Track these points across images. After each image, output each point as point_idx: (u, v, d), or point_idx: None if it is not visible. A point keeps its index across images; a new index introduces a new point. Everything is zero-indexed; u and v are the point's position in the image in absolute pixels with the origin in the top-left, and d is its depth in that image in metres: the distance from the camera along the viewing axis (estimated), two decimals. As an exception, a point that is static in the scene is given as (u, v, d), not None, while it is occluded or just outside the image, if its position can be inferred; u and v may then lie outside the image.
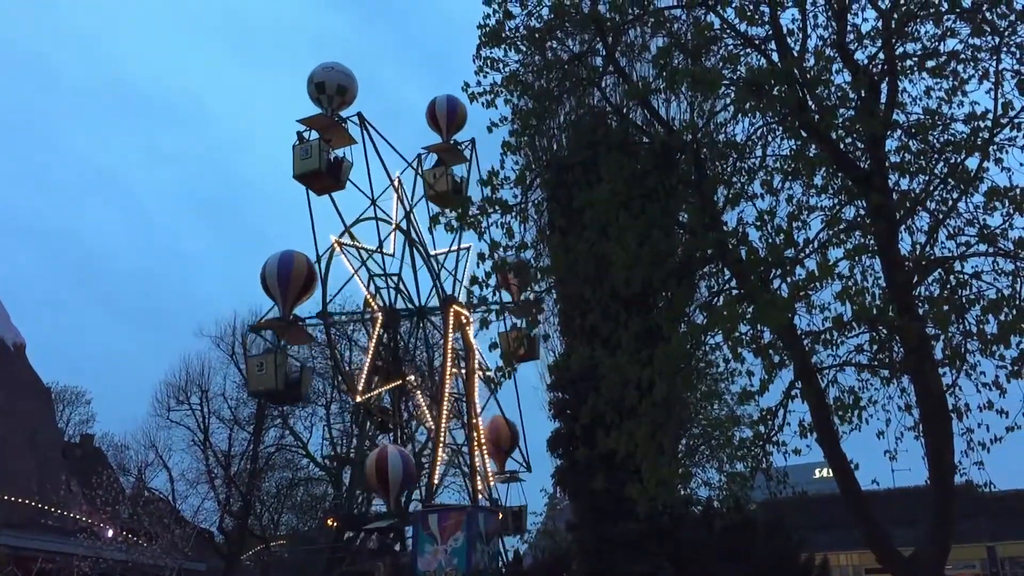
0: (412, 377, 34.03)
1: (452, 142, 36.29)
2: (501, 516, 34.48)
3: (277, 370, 30.77)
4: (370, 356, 34.43)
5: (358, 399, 33.63)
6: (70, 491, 40.10)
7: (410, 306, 35.21)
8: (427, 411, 33.55)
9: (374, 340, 34.29)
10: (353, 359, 41.26)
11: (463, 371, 34.06)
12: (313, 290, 32.32)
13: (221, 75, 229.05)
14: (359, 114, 35.26)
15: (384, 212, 35.75)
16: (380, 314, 34.52)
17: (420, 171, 35.86)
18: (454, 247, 35.38)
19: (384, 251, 35.69)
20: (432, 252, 35.96)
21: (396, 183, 35.53)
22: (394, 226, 35.49)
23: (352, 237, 35.07)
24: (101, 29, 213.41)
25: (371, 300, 34.49)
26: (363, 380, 34.58)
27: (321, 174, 32.18)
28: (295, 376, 31.80)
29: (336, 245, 34.41)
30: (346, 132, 35.21)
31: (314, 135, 33.27)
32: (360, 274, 34.94)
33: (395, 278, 35.46)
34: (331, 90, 33.17)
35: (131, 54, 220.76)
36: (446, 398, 32.44)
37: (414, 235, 35.29)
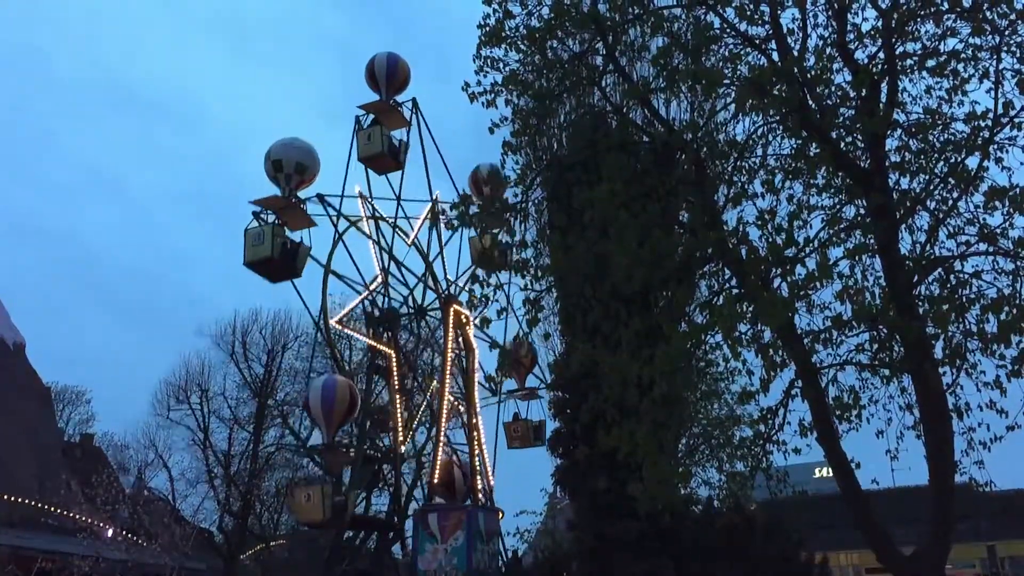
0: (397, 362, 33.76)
1: (392, 102, 34.69)
2: (522, 429, 34.61)
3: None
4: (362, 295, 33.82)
5: (333, 321, 33.06)
6: (70, 490, 40.09)
7: (411, 305, 35.09)
8: (398, 392, 33.14)
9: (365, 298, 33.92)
10: (353, 358, 41.26)
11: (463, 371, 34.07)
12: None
13: (218, 72, 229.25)
14: (413, 99, 35.00)
15: (405, 214, 35.12)
16: (380, 275, 34.11)
17: (355, 132, 34.02)
18: (460, 261, 35.25)
19: (402, 231, 34.96)
20: (448, 276, 35.56)
21: (434, 199, 34.84)
22: (411, 240, 35.08)
23: (376, 215, 34.36)
24: (97, 25, 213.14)
25: (371, 292, 34.06)
26: (344, 311, 34.41)
27: (273, 260, 29.98)
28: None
29: (360, 200, 33.78)
30: (401, 116, 34.60)
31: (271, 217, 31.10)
32: (377, 256, 34.43)
33: (407, 287, 35.01)
34: (289, 168, 31.06)
35: (127, 51, 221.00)
36: (446, 398, 32.42)
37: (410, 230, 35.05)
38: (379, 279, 34.39)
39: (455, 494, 30.62)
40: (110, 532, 37.65)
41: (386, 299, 34.52)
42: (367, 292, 33.99)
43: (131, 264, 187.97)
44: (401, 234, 35.04)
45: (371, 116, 34.50)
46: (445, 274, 34.98)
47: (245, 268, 30.54)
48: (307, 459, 47.45)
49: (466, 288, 33.98)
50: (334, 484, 29.16)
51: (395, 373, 32.91)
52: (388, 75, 34.50)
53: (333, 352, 34.33)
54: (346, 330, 34.60)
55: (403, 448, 32.70)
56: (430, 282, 34.60)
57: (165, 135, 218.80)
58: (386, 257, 34.57)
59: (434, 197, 34.83)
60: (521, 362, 33.35)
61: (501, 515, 31.49)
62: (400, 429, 32.30)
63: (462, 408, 33.61)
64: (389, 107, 34.57)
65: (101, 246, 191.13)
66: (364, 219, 34.31)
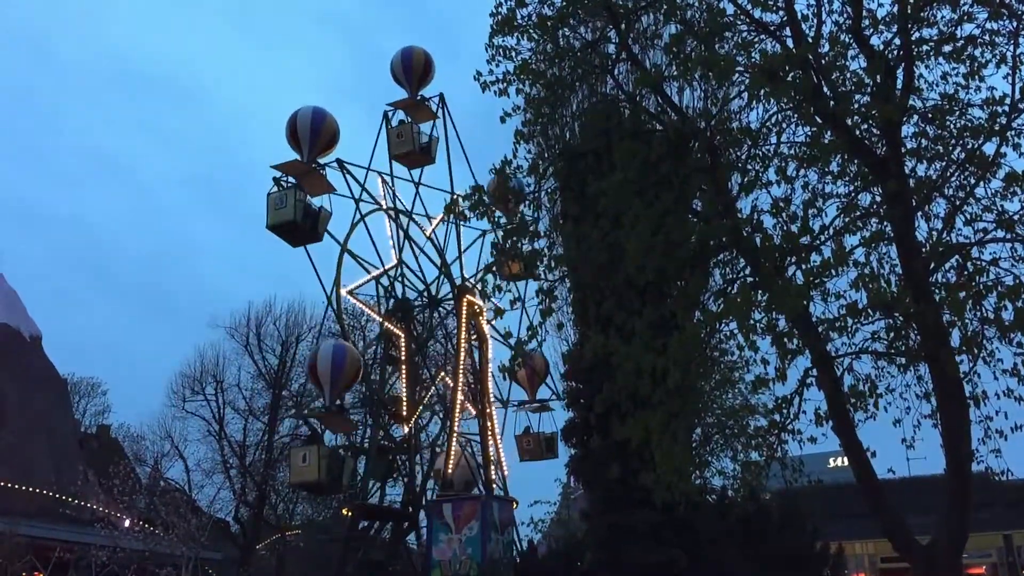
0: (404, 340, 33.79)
1: (420, 97, 34.90)
2: (533, 442, 34.56)
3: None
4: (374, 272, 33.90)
5: (343, 290, 33.25)
6: (87, 481, 40.45)
7: (424, 295, 35.10)
8: (405, 375, 33.21)
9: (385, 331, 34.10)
10: (367, 353, 41.31)
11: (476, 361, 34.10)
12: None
13: (223, 53, 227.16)
14: (440, 95, 35.13)
15: (424, 207, 35.27)
16: (395, 255, 34.20)
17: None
18: (476, 259, 35.23)
19: (424, 219, 35.05)
20: (466, 276, 35.55)
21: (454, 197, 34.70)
22: (429, 233, 35.11)
23: (395, 210, 34.43)
24: (101, 8, 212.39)
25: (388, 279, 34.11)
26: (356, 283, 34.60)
27: (296, 225, 30.30)
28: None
29: (380, 180, 34.09)
30: (429, 110, 34.77)
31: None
32: (395, 244, 34.51)
33: (423, 282, 35.03)
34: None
35: (131, 32, 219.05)
36: (460, 387, 32.46)
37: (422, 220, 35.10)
38: (395, 265, 34.46)
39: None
40: (127, 523, 37.94)
41: (402, 288, 34.59)
42: (382, 271, 34.03)
43: (139, 250, 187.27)
44: (417, 226, 35.12)
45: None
46: (462, 271, 35.06)
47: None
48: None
49: (479, 278, 34.07)
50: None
51: (403, 355, 32.98)
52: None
53: (342, 326, 34.36)
54: (355, 301, 34.54)
55: (408, 427, 32.76)
56: (444, 278, 34.64)
57: (170, 117, 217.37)
58: (404, 243, 34.58)
59: (453, 197, 34.76)
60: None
61: (515, 505, 31.55)
62: (407, 410, 32.34)
63: (470, 406, 33.60)
64: (417, 102, 34.82)
65: (108, 231, 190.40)
66: (384, 209, 34.39)
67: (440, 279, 35.01)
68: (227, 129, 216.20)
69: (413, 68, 34.73)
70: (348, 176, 33.04)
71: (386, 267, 34.25)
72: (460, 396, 32.43)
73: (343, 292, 32.94)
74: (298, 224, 30.26)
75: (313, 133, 31.09)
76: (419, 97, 35.02)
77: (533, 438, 34.75)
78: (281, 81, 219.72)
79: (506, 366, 29.07)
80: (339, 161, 32.72)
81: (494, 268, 12.20)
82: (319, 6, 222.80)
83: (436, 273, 35.07)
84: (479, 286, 33.62)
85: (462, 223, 30.75)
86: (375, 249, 34.14)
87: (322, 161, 31.84)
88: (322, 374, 28.60)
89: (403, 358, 33.21)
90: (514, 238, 10.83)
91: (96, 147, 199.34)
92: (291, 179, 30.97)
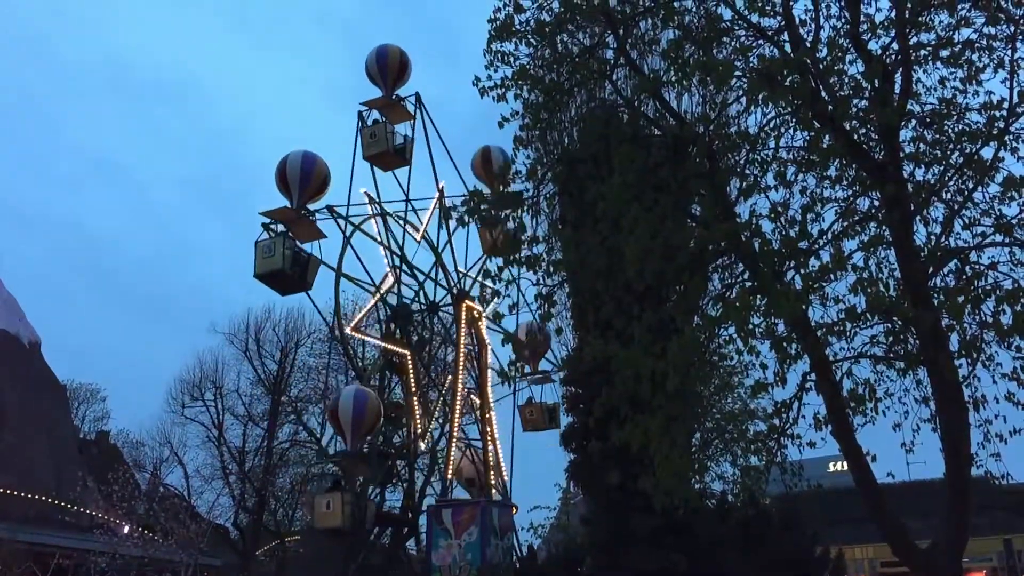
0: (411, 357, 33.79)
1: (395, 96, 34.03)
2: (536, 412, 34.50)
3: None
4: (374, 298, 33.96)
5: (348, 330, 33.22)
6: (86, 487, 40.46)
7: (422, 300, 35.10)
8: (415, 388, 33.25)
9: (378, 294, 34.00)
10: (366, 355, 41.27)
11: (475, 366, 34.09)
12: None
13: (222, 55, 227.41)
14: (416, 94, 34.31)
15: (416, 214, 34.93)
16: (391, 272, 34.13)
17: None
18: (472, 256, 35.03)
19: (411, 228, 34.87)
20: (459, 268, 35.47)
21: (439, 191, 34.77)
22: (421, 234, 35.00)
23: (384, 214, 34.26)
24: (100, 10, 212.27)
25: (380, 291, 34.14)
26: (357, 318, 34.41)
27: (285, 274, 29.93)
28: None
29: (367, 199, 33.65)
30: (405, 110, 34.06)
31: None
32: (386, 254, 34.40)
33: (418, 281, 34.96)
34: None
35: (129, 35, 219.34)
36: (459, 392, 32.44)
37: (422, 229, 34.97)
38: (390, 278, 34.38)
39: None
40: (126, 529, 37.95)
41: (398, 297, 34.51)
42: (378, 295, 33.96)
43: (138, 254, 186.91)
44: (412, 230, 34.98)
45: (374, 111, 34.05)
46: (455, 265, 34.87)
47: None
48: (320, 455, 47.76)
49: (477, 280, 34.07)
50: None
51: (411, 372, 32.91)
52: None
53: (347, 350, 34.40)
54: (361, 336, 34.50)
55: (422, 445, 32.70)
56: (441, 275, 34.56)
57: (169, 119, 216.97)
58: (396, 256, 34.52)
59: (440, 188, 34.76)
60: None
61: (515, 510, 31.51)
62: (417, 425, 32.32)
63: (475, 397, 33.58)
64: (392, 102, 34.05)
65: (107, 236, 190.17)
66: (372, 217, 34.20)
67: (435, 272, 34.85)
68: (227, 132, 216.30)
69: (388, 67, 33.91)
70: (339, 220, 32.64)
71: (381, 288, 34.13)
72: (459, 399, 32.43)
73: (348, 330, 33.08)
74: (286, 273, 29.94)
75: (303, 178, 30.68)
76: (394, 96, 34.16)
77: (536, 408, 34.68)
78: (281, 83, 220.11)
79: (510, 333, 28.92)
80: (329, 208, 32.28)
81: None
82: (318, 7, 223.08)
83: (430, 278, 35.01)
84: (477, 280, 33.71)
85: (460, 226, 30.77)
86: (365, 270, 34.13)
87: (312, 207, 31.35)
88: (343, 420, 28.53)
89: (408, 369, 33.13)
90: (493, 209, 10.79)
91: (95, 150, 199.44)
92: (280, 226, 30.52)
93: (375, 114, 34.12)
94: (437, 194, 34.57)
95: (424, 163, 34.84)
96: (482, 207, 11.11)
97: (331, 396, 44.10)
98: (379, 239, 34.24)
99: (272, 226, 30.61)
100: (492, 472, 31.85)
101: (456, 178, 35.69)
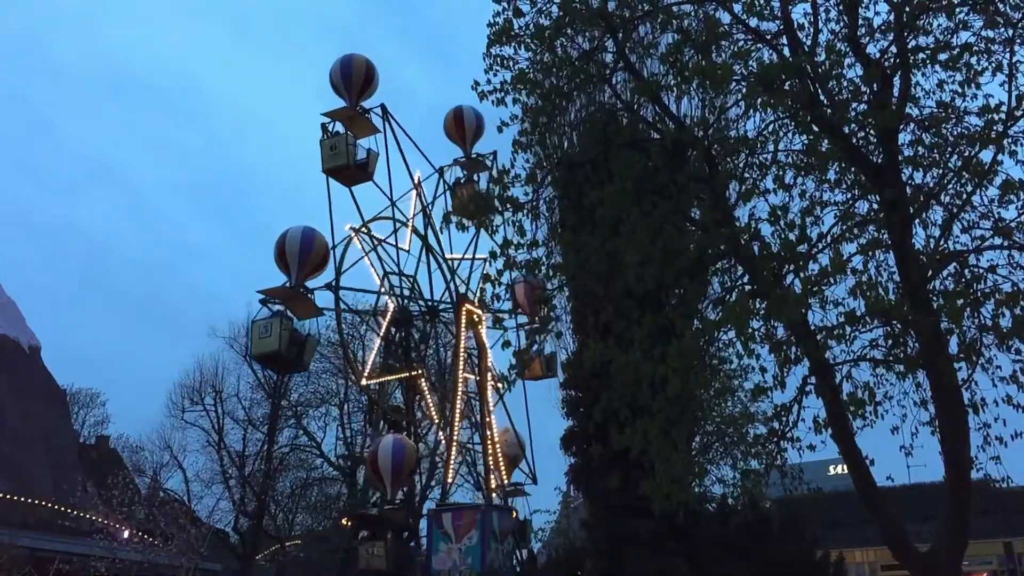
0: (422, 376, 33.89)
1: (359, 108, 33.26)
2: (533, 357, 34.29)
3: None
4: (379, 339, 34.29)
5: (363, 382, 33.51)
6: (86, 492, 40.42)
7: (422, 302, 35.12)
8: (433, 408, 33.48)
9: (384, 329, 34.18)
10: (365, 358, 41.36)
11: (476, 370, 34.08)
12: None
13: (219, 59, 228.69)
14: (382, 105, 33.81)
15: (401, 212, 35.07)
16: (392, 303, 34.29)
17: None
18: (468, 254, 35.00)
19: (400, 247, 35.06)
20: (449, 255, 35.52)
21: (416, 181, 34.94)
22: (410, 227, 35.07)
23: (369, 231, 34.25)
24: (96, 13, 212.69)
25: (386, 292, 34.28)
26: (369, 366, 34.57)
27: (281, 355, 29.84)
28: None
29: (353, 234, 33.69)
30: (370, 123, 33.62)
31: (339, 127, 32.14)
32: (375, 267, 34.56)
33: (410, 279, 35.06)
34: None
35: (127, 39, 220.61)
36: (459, 397, 32.45)
37: (429, 235, 35.06)
38: (390, 307, 34.54)
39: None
40: (126, 533, 37.92)
41: (399, 301, 34.60)
42: (382, 338, 34.10)
43: (136, 257, 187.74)
44: (402, 235, 35.17)
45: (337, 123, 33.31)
46: (443, 254, 34.91)
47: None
48: (321, 459, 47.86)
49: (479, 287, 34.13)
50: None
51: (425, 390, 33.12)
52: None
53: (346, 354, 34.44)
54: (376, 382, 34.46)
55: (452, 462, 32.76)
56: (436, 270, 34.75)
57: (167, 124, 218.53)
58: (391, 275, 34.73)
59: (416, 179, 34.90)
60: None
61: (515, 514, 31.50)
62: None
63: (471, 375, 33.64)
64: (356, 113, 33.21)
65: (105, 240, 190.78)
66: (358, 241, 34.22)
67: (430, 285, 35.05)
68: (224, 136, 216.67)
69: (353, 77, 33.13)
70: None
71: (385, 319, 34.40)
72: (460, 403, 32.44)
73: (363, 382, 33.51)
74: (283, 354, 29.79)
75: (303, 254, 30.57)
76: (359, 108, 33.35)
77: (532, 354, 34.59)
78: (279, 87, 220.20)
79: (508, 284, 28.74)
80: (329, 286, 32.11)
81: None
82: (317, 13, 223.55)
83: (438, 283, 35.20)
84: (478, 292, 33.72)
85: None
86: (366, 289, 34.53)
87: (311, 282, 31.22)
88: (383, 469, 28.62)
89: (424, 388, 33.34)
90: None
91: (93, 154, 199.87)
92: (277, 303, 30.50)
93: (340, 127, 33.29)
94: (414, 184, 34.74)
95: (400, 173, 34.69)
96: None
97: (334, 402, 44.28)
98: (373, 268, 34.56)
99: (270, 302, 30.51)
100: (495, 472, 31.80)
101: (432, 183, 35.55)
